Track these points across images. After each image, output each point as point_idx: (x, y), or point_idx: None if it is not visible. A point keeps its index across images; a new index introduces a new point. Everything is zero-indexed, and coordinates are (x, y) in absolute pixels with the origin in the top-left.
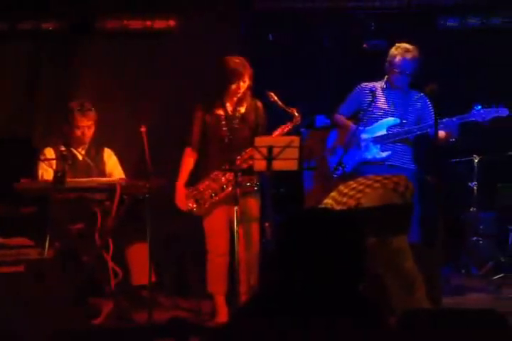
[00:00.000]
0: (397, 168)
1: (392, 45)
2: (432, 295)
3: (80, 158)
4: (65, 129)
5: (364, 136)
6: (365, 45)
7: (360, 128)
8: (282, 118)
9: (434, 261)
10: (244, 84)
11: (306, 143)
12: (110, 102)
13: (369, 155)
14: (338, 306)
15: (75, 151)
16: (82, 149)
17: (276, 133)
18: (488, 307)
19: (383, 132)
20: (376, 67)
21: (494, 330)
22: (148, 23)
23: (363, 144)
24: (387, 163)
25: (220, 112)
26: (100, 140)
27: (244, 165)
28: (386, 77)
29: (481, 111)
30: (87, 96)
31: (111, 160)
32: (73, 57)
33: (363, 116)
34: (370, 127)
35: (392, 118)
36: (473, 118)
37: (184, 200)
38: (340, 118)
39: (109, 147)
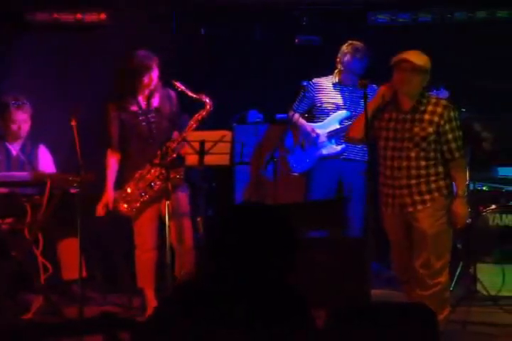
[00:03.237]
0: (353, 162)
1: (324, 40)
2: (362, 289)
3: (14, 153)
4: None
5: (319, 131)
6: (296, 40)
7: (314, 124)
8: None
9: (365, 255)
10: (155, 74)
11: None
12: (42, 96)
13: (325, 151)
14: (266, 298)
15: (9, 146)
16: (18, 144)
17: (191, 122)
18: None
19: (336, 126)
20: (309, 62)
21: (423, 323)
22: (79, 16)
23: (318, 140)
24: (342, 156)
25: (134, 108)
26: (32, 134)
27: (168, 159)
28: (336, 72)
29: None
30: (18, 90)
31: (45, 158)
32: (3, 50)
33: (316, 112)
34: (323, 122)
35: (344, 111)
36: None
37: (112, 203)
38: (294, 116)
39: (41, 141)
